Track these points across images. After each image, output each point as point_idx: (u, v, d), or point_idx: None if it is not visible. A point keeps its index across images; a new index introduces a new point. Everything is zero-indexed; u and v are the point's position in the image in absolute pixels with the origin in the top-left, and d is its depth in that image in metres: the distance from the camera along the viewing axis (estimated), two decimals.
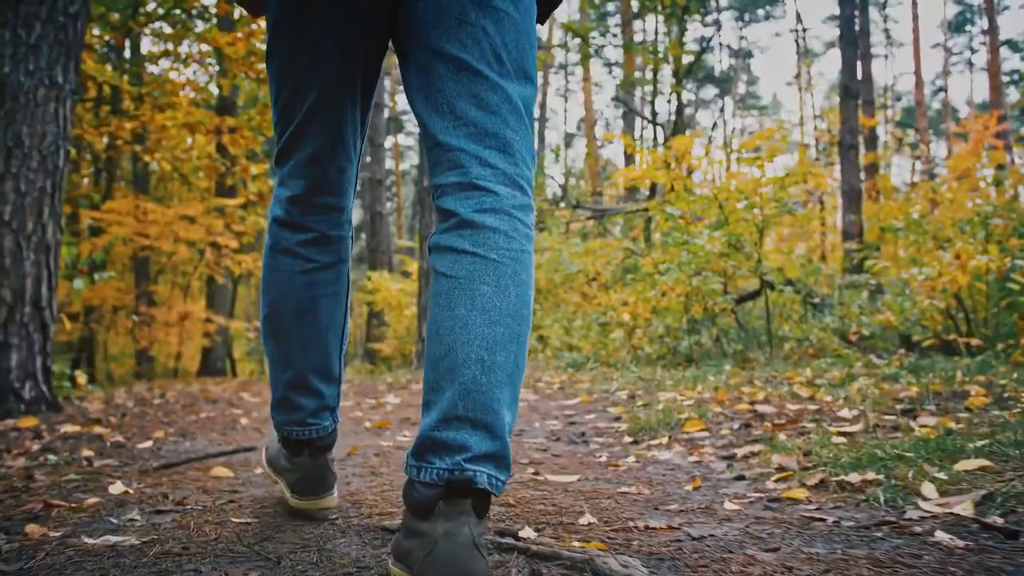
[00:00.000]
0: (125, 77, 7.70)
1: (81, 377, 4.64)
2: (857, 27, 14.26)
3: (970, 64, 36.26)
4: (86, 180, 12.01)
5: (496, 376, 0.95)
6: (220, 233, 11.49)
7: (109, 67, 7.19)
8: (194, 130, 7.39)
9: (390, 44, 1.16)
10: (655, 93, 14.74)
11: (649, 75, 15.60)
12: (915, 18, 29.10)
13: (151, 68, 8.79)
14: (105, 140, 7.54)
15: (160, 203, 12.52)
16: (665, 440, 2.44)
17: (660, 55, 13.59)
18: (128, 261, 13.72)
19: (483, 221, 0.99)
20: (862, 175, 14.25)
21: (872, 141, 18.88)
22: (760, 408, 2.89)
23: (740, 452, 2.16)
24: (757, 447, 2.16)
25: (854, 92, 13.53)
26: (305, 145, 1.18)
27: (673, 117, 14.50)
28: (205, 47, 8.68)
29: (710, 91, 31.70)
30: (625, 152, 19.64)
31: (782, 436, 2.28)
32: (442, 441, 0.93)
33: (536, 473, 1.91)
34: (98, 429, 2.72)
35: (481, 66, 1.01)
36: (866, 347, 6.49)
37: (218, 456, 2.15)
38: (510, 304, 0.98)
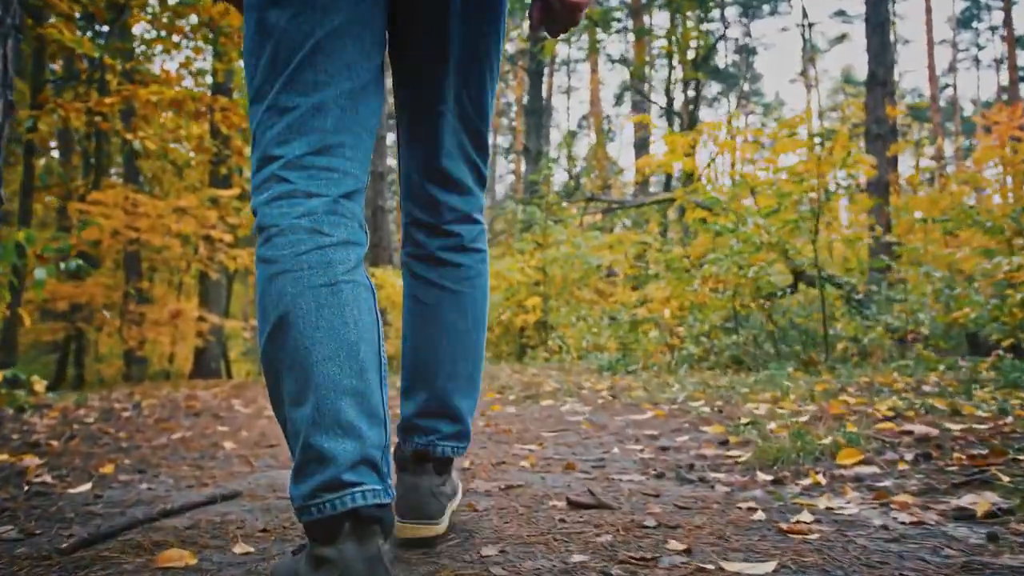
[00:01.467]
0: (108, 56, 6.97)
1: (39, 384, 3.91)
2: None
3: (976, 61, 35.57)
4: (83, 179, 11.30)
5: (457, 382, 1.26)
6: (213, 226, 10.76)
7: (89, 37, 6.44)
8: (183, 107, 6.65)
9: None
10: (670, 81, 14.02)
11: (659, 66, 14.92)
12: (928, 10, 28.43)
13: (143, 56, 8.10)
14: (85, 119, 6.80)
15: (151, 196, 11.79)
16: (821, 479, 1.72)
17: (677, 40, 12.88)
18: (116, 256, 12.97)
19: (448, 258, 1.24)
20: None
21: (892, 133, 18.19)
22: (911, 427, 2.18)
23: (960, 502, 1.44)
24: (987, 495, 1.45)
25: (881, 79, 12.83)
26: (312, 92, 0.95)
27: (691, 106, 13.81)
28: (200, 28, 7.97)
29: (713, 88, 30.98)
30: (636, 143, 18.96)
31: (1003, 476, 1.57)
32: (420, 427, 1.26)
33: (687, 552, 1.18)
34: (28, 460, 1.99)
35: (452, 118, 1.18)
36: (927, 347, 5.75)
37: (179, 512, 1.42)
38: (468, 323, 1.26)
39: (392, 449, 1.13)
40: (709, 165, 8.95)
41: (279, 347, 0.90)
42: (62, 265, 4.33)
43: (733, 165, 8.73)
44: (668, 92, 14.10)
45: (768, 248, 5.76)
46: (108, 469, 1.90)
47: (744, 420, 2.49)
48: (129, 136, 6.38)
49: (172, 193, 12.72)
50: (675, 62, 14.50)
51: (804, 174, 5.88)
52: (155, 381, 11.26)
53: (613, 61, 25.43)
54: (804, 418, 2.50)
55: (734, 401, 3.19)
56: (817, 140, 6.06)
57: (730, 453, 2.08)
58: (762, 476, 1.81)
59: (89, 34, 7.27)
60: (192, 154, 12.91)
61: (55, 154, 15.30)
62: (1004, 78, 33.98)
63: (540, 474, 1.95)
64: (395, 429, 1.25)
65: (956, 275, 7.12)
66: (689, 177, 13.89)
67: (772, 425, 2.40)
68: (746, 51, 31.75)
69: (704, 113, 31.86)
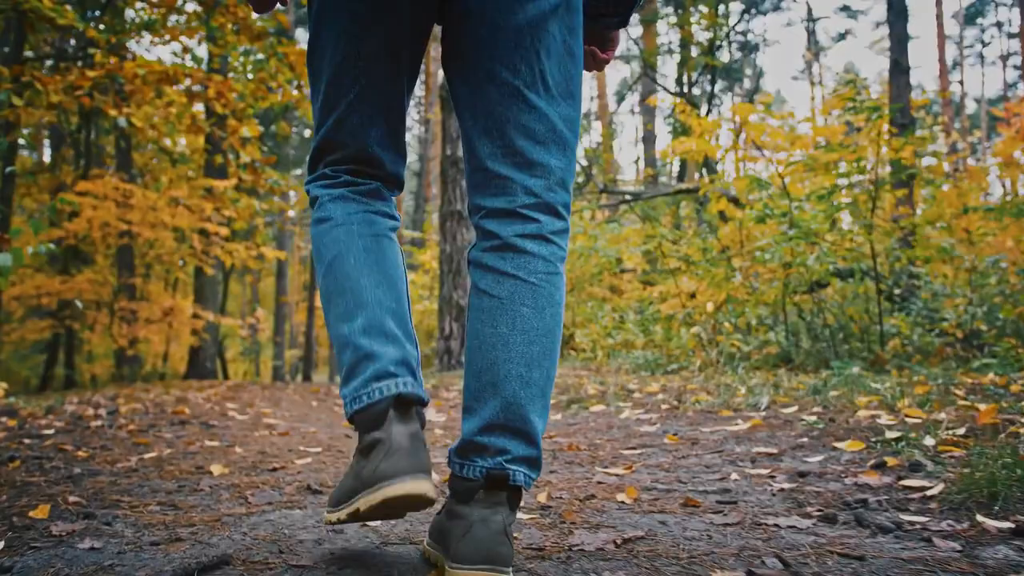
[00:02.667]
0: (92, 28, 6.39)
1: None
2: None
3: (981, 57, 35.05)
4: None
5: (532, 391, 1.02)
6: (208, 218, 10.16)
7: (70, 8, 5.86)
8: (174, 81, 6.05)
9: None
10: (686, 67, 13.44)
11: (667, 59, 14.35)
12: (938, 3, 27.91)
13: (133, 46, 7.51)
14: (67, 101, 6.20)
15: (143, 187, 11.19)
16: None
17: (696, 23, 12.29)
18: (107, 250, 12.37)
19: (524, 246, 1.05)
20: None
21: (912, 124, 17.66)
22: None
23: None
24: None
25: (904, 67, 12.30)
26: (357, 117, 1.10)
27: (709, 93, 13.24)
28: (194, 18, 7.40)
29: (715, 86, 30.36)
30: (645, 135, 18.40)
31: None
32: (484, 444, 1.01)
33: None
34: None
35: (530, 94, 1.04)
36: (980, 345, 5.18)
37: None
38: (545, 324, 1.05)
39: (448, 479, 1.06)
40: (735, 146, 8.38)
41: (334, 276, 1.08)
42: (30, 248, 3.75)
43: (762, 150, 8.16)
44: (680, 81, 13.52)
45: (820, 235, 5.20)
46: (40, 512, 1.32)
47: (889, 435, 1.92)
48: (114, 112, 5.78)
49: (165, 185, 12.12)
50: (692, 51, 13.93)
51: (852, 152, 5.33)
52: (148, 382, 10.66)
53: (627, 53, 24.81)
54: (959, 430, 1.93)
55: (836, 407, 2.62)
56: (872, 114, 5.49)
57: (907, 483, 1.51)
58: (990, 522, 1.24)
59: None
60: (183, 143, 12.35)
61: (49, 151, 14.76)
62: (1011, 75, 33.50)
63: (655, 515, 1.38)
64: (450, 453, 1.06)
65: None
66: (707, 166, 13.32)
67: (929, 441, 1.83)
68: (748, 48, 31.20)
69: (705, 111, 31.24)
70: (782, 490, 1.55)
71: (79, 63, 7.56)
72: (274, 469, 1.84)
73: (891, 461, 1.70)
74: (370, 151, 1.11)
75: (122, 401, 4.56)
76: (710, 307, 5.27)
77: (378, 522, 1.31)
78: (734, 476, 1.69)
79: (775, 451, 1.91)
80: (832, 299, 6.23)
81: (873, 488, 1.52)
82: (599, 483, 1.67)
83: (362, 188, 1.12)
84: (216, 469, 1.77)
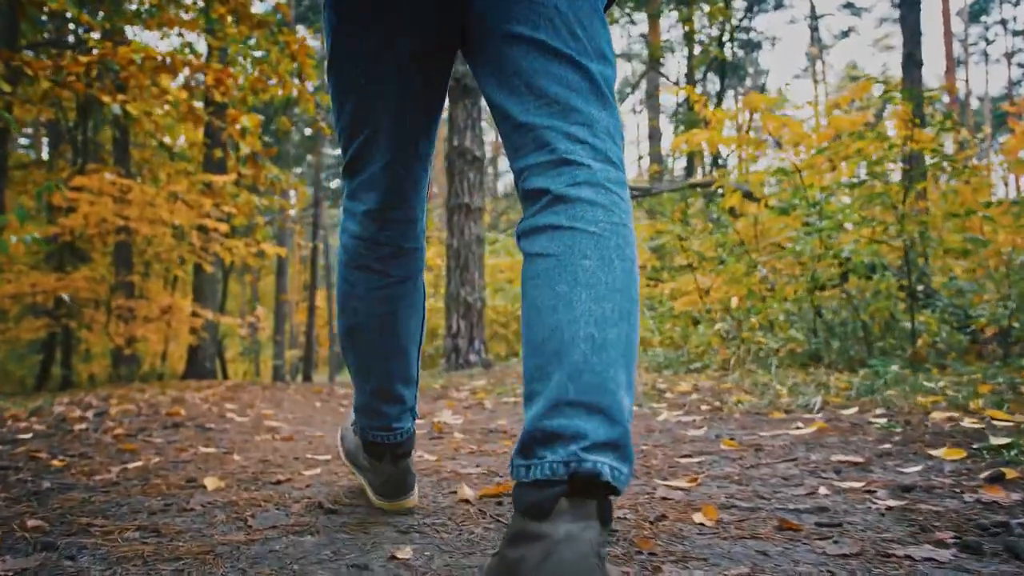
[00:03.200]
0: (85, 14, 6.14)
1: None
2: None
3: (986, 55, 34.76)
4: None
5: (609, 354, 0.80)
6: (207, 214, 9.90)
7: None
8: (172, 71, 5.78)
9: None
10: (694, 62, 13.18)
11: (671, 54, 14.08)
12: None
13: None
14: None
15: (141, 183, 10.92)
16: None
17: (707, 15, 12.03)
18: (104, 247, 12.11)
19: (579, 194, 0.87)
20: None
21: (923, 119, 17.41)
22: None
23: None
24: None
25: (919, 60, 12.06)
26: (378, 156, 1.10)
27: (718, 85, 12.98)
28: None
29: (715, 84, 30.10)
30: (650, 131, 18.14)
31: None
32: (553, 431, 0.77)
33: None
34: None
35: (558, 44, 0.91)
36: (1014, 342, 4.92)
37: None
38: (616, 279, 0.84)
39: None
40: (745, 139, 8.11)
41: (352, 340, 1.23)
42: (13, 238, 3.49)
43: (780, 145, 7.90)
44: (690, 76, 13.26)
45: (853, 227, 4.93)
46: None
47: (994, 440, 1.65)
48: (107, 99, 5.51)
49: (164, 180, 11.85)
50: (696, 48, 13.66)
51: (880, 140, 5.08)
52: (146, 382, 10.39)
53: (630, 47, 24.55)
54: None
55: (900, 408, 2.36)
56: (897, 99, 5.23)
57: None
58: None
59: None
60: (182, 140, 12.06)
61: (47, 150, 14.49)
62: (1016, 72, 33.23)
63: (749, 543, 1.12)
64: (513, 458, 0.82)
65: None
66: (716, 161, 13.04)
67: None
68: (751, 46, 30.93)
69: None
70: (890, 508, 1.29)
71: (75, 51, 7.29)
72: (278, 482, 1.57)
73: (1010, 473, 1.43)
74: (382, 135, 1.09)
75: (115, 401, 4.30)
76: (735, 302, 5.00)
77: (410, 555, 1.05)
78: (823, 490, 1.43)
79: (859, 460, 1.65)
80: (835, 297, 5.97)
81: (1005, 507, 1.25)
82: (664, 499, 1.41)
83: (386, 252, 1.16)
84: (211, 482, 1.50)
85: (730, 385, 3.35)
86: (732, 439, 1.99)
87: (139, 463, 1.78)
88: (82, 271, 11.32)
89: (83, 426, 2.56)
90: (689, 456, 1.82)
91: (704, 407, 2.73)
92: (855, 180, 4.99)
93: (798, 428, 2.11)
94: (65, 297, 6.12)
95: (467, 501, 1.41)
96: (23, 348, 14.19)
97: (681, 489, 1.49)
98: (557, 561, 0.69)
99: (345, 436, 1.47)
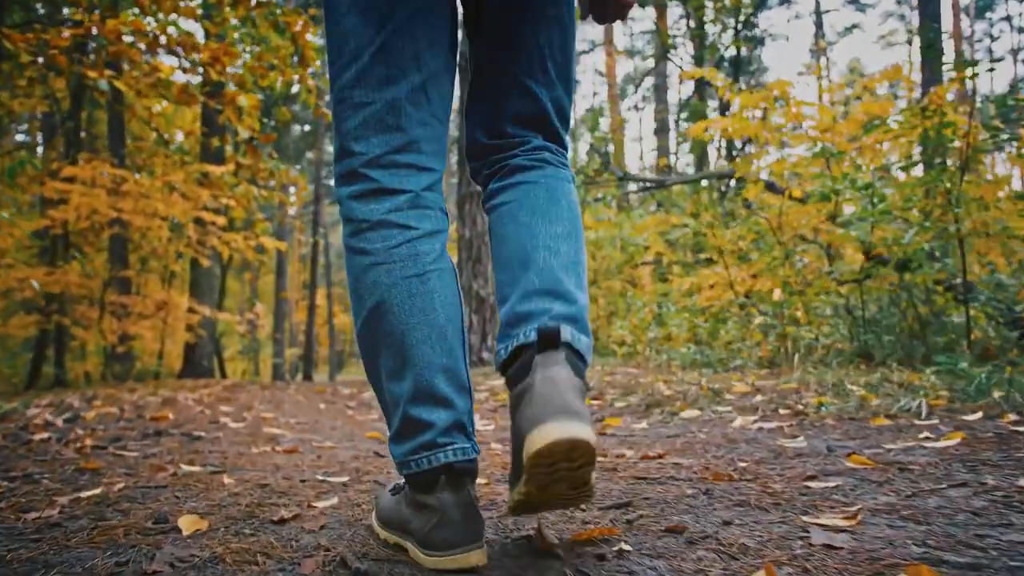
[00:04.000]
0: None
1: None
2: None
3: (990, 52, 34.36)
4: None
5: (562, 260, 1.00)
6: (204, 207, 9.48)
7: None
8: (168, 49, 5.37)
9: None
10: (708, 51, 12.76)
11: (675, 47, 13.66)
12: None
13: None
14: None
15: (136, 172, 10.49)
16: None
17: (720, 8, 11.62)
18: (97, 241, 11.68)
19: (529, 162, 1.09)
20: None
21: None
22: None
23: None
24: None
25: (939, 48, 11.68)
26: (412, 71, 1.00)
27: (731, 72, 12.56)
28: None
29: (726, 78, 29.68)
30: (656, 127, 17.75)
31: None
32: (525, 312, 0.96)
33: None
34: None
35: (529, 82, 1.08)
36: None
37: None
38: (563, 211, 1.05)
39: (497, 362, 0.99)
40: (765, 126, 7.70)
41: (375, 330, 1.00)
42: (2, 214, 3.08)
43: (807, 132, 7.50)
44: (702, 61, 12.84)
45: (904, 210, 4.53)
46: None
47: None
48: (93, 74, 5.10)
49: (159, 171, 11.43)
50: (706, 31, 13.25)
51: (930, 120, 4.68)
52: (140, 381, 9.95)
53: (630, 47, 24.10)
54: None
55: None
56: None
57: None
58: None
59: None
60: (181, 138, 11.66)
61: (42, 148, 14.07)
62: (1021, 69, 32.81)
63: None
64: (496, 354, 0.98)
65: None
66: (731, 152, 12.63)
67: None
68: (755, 42, 30.56)
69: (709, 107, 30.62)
70: None
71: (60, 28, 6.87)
72: (281, 520, 1.15)
73: None
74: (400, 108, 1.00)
75: (98, 403, 3.88)
76: (777, 294, 4.57)
77: None
78: None
79: None
80: (883, 290, 5.55)
81: None
82: (829, 548, 0.99)
83: (401, 200, 1.00)
84: (187, 523, 1.08)
85: (795, 385, 2.93)
86: (855, 454, 1.57)
87: (97, 490, 1.36)
88: (75, 265, 10.89)
89: (45, 435, 2.14)
90: (814, 478, 1.40)
91: (782, 411, 2.32)
92: (908, 161, 4.58)
93: (929, 439, 1.69)
94: (35, 284, 5.68)
95: (552, 552, 0.99)
96: (17, 347, 13.77)
97: (843, 531, 1.07)
98: (534, 395, 0.87)
99: (379, 502, 1.14)
